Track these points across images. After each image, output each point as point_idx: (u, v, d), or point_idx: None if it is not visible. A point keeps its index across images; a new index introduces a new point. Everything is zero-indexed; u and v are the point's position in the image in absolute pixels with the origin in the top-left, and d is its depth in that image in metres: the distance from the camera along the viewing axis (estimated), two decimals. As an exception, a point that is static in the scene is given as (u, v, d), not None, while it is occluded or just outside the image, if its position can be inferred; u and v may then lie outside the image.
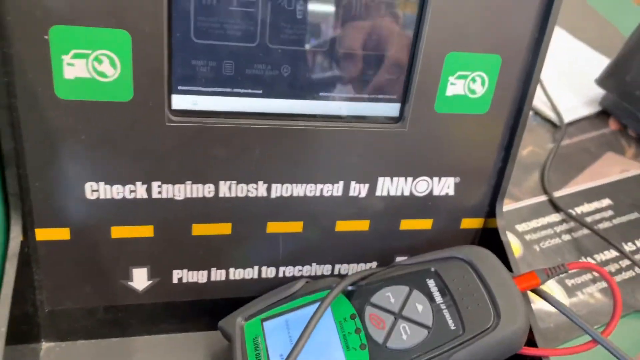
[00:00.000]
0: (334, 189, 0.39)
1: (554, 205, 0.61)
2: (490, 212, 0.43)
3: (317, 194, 0.38)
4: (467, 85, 0.37)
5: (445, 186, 0.41)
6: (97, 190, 0.34)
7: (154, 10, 0.30)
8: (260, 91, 0.35)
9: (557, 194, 0.63)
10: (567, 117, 0.74)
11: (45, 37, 0.29)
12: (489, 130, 0.39)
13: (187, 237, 0.37)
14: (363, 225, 0.40)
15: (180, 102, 0.34)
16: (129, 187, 0.35)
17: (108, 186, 0.34)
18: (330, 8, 0.34)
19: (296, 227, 0.39)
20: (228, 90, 0.34)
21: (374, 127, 0.37)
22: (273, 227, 0.39)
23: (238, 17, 0.33)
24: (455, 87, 0.37)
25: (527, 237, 0.57)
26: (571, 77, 0.80)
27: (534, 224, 0.59)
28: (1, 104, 0.30)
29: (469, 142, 0.40)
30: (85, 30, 0.30)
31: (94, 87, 0.31)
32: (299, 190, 0.38)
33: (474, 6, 0.35)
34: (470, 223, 0.43)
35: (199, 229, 0.37)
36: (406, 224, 0.41)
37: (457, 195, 0.41)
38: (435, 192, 0.41)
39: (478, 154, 0.40)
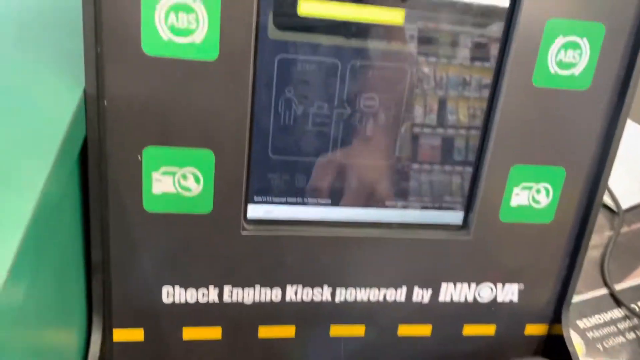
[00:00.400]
0: (397, 294, 0.39)
1: (616, 300, 0.59)
2: (555, 318, 0.42)
3: (380, 298, 0.39)
4: (531, 196, 0.38)
5: (509, 293, 0.40)
6: (172, 293, 0.36)
7: (238, 131, 0.33)
8: (329, 201, 0.36)
9: (618, 286, 0.61)
10: (625, 203, 0.72)
11: (139, 157, 0.32)
12: (554, 239, 0.40)
13: (253, 339, 0.38)
14: (425, 330, 0.40)
15: (254, 211, 0.36)
16: (202, 290, 0.36)
17: (183, 289, 0.36)
18: (397, 125, 0.35)
19: (358, 330, 0.40)
20: (299, 200, 0.36)
21: (438, 235, 0.38)
22: (336, 330, 0.39)
23: (312, 134, 0.35)
24: (519, 197, 0.38)
25: (590, 334, 0.55)
26: (628, 161, 0.79)
27: (596, 319, 0.57)
28: (95, 217, 0.32)
29: (533, 250, 0.40)
30: (175, 150, 0.32)
31: (178, 201, 0.33)
32: (362, 294, 0.39)
33: (538, 120, 0.36)
34: (535, 329, 0.42)
35: (265, 332, 0.38)
36: (469, 330, 0.41)
37: (521, 301, 0.41)
38: (499, 299, 0.40)
39: (543, 262, 0.40)
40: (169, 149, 0.32)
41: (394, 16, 0.33)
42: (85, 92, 0.30)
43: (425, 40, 0.34)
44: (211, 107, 0.32)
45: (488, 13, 0.34)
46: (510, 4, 0.34)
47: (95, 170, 0.32)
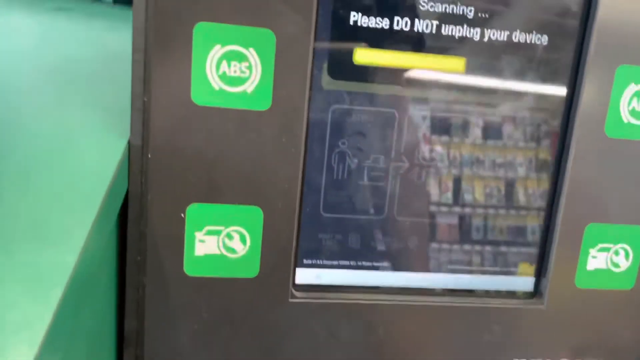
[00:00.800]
0: (463, 372, 0.34)
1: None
2: (643, 401, 0.37)
3: (444, 376, 0.34)
4: (609, 258, 0.34)
5: (589, 371, 0.35)
6: (211, 369, 0.32)
7: (288, 186, 0.30)
8: (387, 264, 0.33)
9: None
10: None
11: (182, 215, 0.29)
12: (636, 308, 0.35)
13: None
14: (495, 414, 0.35)
15: (304, 276, 0.32)
16: (244, 366, 0.32)
17: (223, 366, 0.32)
18: (459, 181, 0.33)
19: (419, 414, 0.35)
20: (353, 263, 0.33)
21: (507, 303, 0.34)
22: (394, 414, 0.35)
23: (367, 190, 0.32)
24: (597, 260, 0.34)
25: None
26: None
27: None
28: (131, 283, 0.29)
29: (614, 320, 0.35)
30: (221, 208, 0.30)
31: (222, 263, 0.30)
32: (423, 371, 0.34)
33: (613, 173, 0.33)
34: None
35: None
36: (545, 414, 0.36)
37: (603, 381, 0.36)
38: (578, 378, 0.35)
39: (625, 333, 0.35)
40: (214, 206, 0.30)
41: (454, 65, 0.31)
42: (129, 143, 0.28)
43: (487, 90, 0.32)
44: (261, 161, 0.30)
45: (554, 61, 0.32)
46: (576, 51, 0.32)
47: (135, 229, 0.29)
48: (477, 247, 0.33)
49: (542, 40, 0.31)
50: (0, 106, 0.30)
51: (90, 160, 0.27)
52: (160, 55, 0.28)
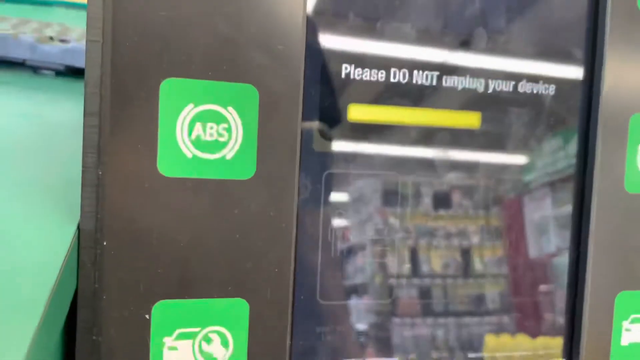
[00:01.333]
0: None
1: None
2: None
3: None
4: (643, 329, 0.30)
5: None
6: None
7: (278, 271, 0.25)
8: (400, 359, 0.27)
9: None
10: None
11: (147, 316, 0.23)
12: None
13: None
14: None
15: (300, 382, 0.26)
16: None
17: None
18: (468, 257, 0.28)
19: None
20: (358, 360, 0.27)
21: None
22: None
23: (371, 268, 0.27)
24: (631, 334, 0.30)
25: None
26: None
27: None
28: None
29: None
30: (196, 304, 0.24)
31: (200, 375, 0.24)
32: None
33: (638, 235, 0.29)
34: None
35: None
36: None
37: None
38: None
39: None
40: (187, 302, 0.24)
41: (468, 120, 0.27)
42: (79, 229, 0.22)
43: (498, 145, 0.28)
44: (245, 241, 0.24)
45: (565, 112, 0.29)
46: (584, 98, 0.29)
47: (86, 338, 0.22)
48: (498, 325, 0.29)
49: (550, 90, 0.29)
50: None
51: (29, 254, 0.21)
52: (118, 119, 0.23)
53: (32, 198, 0.24)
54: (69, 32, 0.48)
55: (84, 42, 0.44)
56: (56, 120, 0.35)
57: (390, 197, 0.27)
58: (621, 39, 0.29)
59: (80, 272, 0.22)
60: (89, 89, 0.22)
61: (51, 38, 0.44)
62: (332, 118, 0.26)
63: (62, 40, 0.44)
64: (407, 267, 0.27)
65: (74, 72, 0.44)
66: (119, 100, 0.22)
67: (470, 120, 0.27)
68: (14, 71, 0.43)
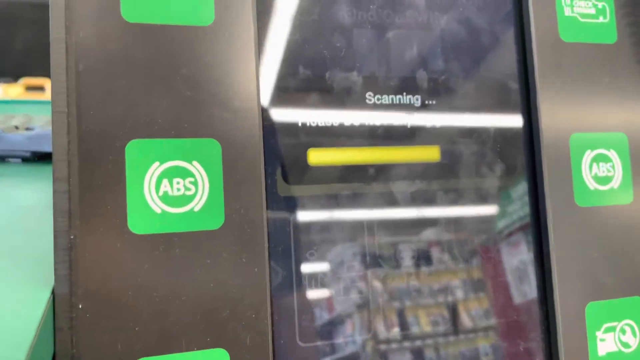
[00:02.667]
0: None
1: None
2: None
3: None
4: (617, 338, 0.31)
5: None
6: None
7: (255, 316, 0.25)
8: (384, 395, 0.27)
9: None
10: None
11: (127, 376, 0.23)
12: (662, 390, 0.31)
13: None
14: None
15: None
16: None
17: None
18: (449, 287, 0.29)
19: None
20: (345, 401, 0.27)
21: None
22: None
23: (349, 305, 0.27)
24: (606, 344, 0.30)
25: None
26: None
27: None
28: None
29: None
30: (175, 358, 0.24)
31: None
32: None
33: (595, 242, 0.31)
34: None
35: None
36: None
37: None
38: None
39: None
40: (167, 358, 0.24)
41: (428, 154, 0.29)
42: (53, 294, 0.23)
43: (452, 171, 0.30)
44: (220, 290, 0.25)
45: (509, 139, 0.31)
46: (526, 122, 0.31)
47: (66, 407, 0.22)
48: (481, 351, 0.29)
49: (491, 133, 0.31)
50: None
51: (4, 320, 0.21)
52: (87, 183, 0.23)
53: (6, 270, 0.24)
54: (33, 121, 0.49)
55: (48, 129, 0.45)
56: (25, 202, 0.36)
57: (356, 233, 0.28)
58: (549, 67, 0.32)
59: (57, 337, 0.22)
60: (56, 156, 0.23)
61: (16, 127, 0.45)
62: (293, 164, 0.27)
63: (27, 129, 0.46)
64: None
65: (40, 158, 0.45)
66: (86, 164, 0.23)
67: (429, 154, 0.29)
68: (-20, 161, 0.43)
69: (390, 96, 0.29)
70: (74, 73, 0.24)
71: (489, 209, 0.30)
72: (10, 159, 0.45)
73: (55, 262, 0.23)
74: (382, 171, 0.29)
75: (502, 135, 0.31)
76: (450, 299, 0.29)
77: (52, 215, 0.23)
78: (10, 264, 0.25)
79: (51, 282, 0.23)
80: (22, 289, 0.23)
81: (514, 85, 0.32)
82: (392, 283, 0.28)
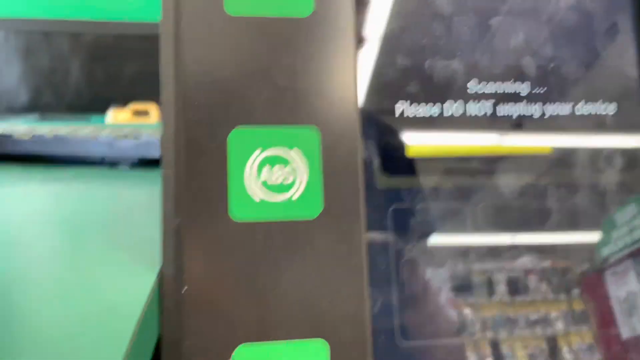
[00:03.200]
0: None
1: None
2: None
3: None
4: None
5: None
6: None
7: (354, 311, 0.24)
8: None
9: None
10: None
11: (227, 362, 0.23)
12: None
13: None
14: None
15: None
16: None
17: None
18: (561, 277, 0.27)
19: None
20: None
21: None
22: None
23: (450, 304, 0.26)
24: None
25: None
26: None
27: None
28: None
29: None
30: (276, 346, 0.23)
31: None
32: None
33: None
34: None
35: None
36: None
37: None
38: None
39: None
40: (269, 346, 0.24)
41: (537, 146, 0.27)
42: (161, 274, 0.23)
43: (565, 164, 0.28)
44: (317, 280, 0.24)
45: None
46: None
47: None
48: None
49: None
50: (11, 257, 0.26)
51: (114, 298, 0.22)
52: (192, 169, 0.24)
53: (114, 253, 0.25)
54: (140, 131, 0.53)
55: (155, 136, 0.48)
56: (133, 201, 0.38)
57: (457, 227, 0.27)
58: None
59: (162, 317, 0.23)
60: (164, 143, 0.24)
61: (126, 135, 0.49)
62: (391, 155, 0.27)
63: (136, 137, 0.49)
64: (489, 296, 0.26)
65: (147, 163, 0.48)
66: (191, 152, 0.24)
67: (538, 146, 0.27)
68: (95, 168, 0.47)
69: (495, 84, 0.28)
70: (182, 64, 0.25)
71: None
72: (120, 165, 0.48)
73: (163, 245, 0.24)
74: (485, 163, 0.27)
75: (620, 133, 0.28)
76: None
77: (159, 207, 0.24)
78: (119, 247, 0.26)
79: (157, 265, 0.24)
80: (130, 269, 0.24)
81: (634, 73, 0.29)
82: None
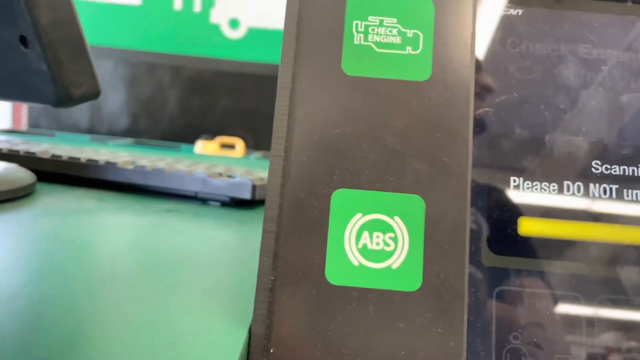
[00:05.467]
0: None
1: None
2: None
3: None
4: None
5: None
6: None
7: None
8: None
9: None
10: None
11: None
12: None
13: None
14: None
15: None
16: None
17: None
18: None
19: None
20: None
21: None
22: None
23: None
24: None
25: None
26: None
27: None
28: None
29: None
30: None
31: None
32: None
33: None
34: None
35: None
36: None
37: None
38: None
39: None
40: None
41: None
42: (250, 333, 0.23)
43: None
44: (410, 358, 0.23)
45: None
46: None
47: None
48: None
49: None
50: (103, 293, 0.26)
51: (205, 356, 0.21)
52: (293, 226, 0.24)
53: (206, 303, 0.25)
54: (233, 170, 0.54)
55: (248, 177, 0.48)
56: (222, 240, 0.38)
57: (572, 321, 0.24)
58: None
59: (249, 379, 0.22)
60: (270, 197, 0.24)
61: (220, 174, 0.50)
62: (501, 231, 0.25)
63: (229, 176, 0.50)
64: None
65: (237, 203, 0.49)
66: (294, 208, 0.24)
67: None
68: (188, 202, 0.48)
69: (622, 167, 0.25)
70: (293, 119, 0.25)
71: None
72: (211, 202, 0.49)
73: (256, 301, 0.23)
74: (606, 251, 0.25)
75: None
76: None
77: (248, 255, 0.24)
78: (210, 296, 0.26)
79: (247, 320, 0.23)
80: (222, 322, 0.23)
81: None
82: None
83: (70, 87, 0.30)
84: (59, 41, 0.29)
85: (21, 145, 0.55)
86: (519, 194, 0.25)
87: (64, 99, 0.30)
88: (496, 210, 0.25)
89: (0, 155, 0.50)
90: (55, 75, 0.30)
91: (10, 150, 0.50)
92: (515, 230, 0.25)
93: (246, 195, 0.46)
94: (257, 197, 0.47)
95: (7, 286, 0.25)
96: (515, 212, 0.25)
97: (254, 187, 0.47)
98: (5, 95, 0.35)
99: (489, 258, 0.25)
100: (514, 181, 0.25)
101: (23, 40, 0.30)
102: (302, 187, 0.24)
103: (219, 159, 1.01)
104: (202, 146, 1.95)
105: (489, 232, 0.25)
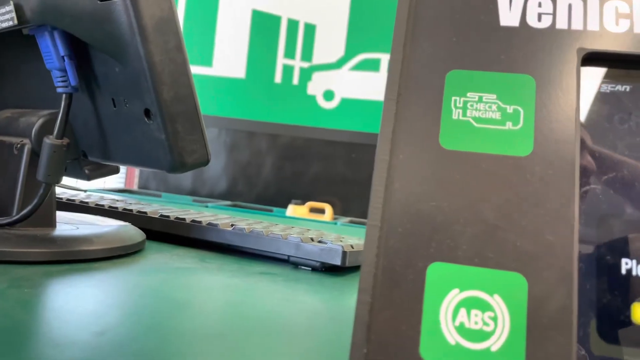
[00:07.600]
0: None
1: None
2: None
3: None
4: None
5: None
6: None
7: None
8: None
9: None
10: None
11: None
12: None
13: None
14: None
15: None
16: None
17: None
18: None
19: None
20: None
21: None
22: None
23: None
24: None
25: None
26: None
27: None
28: None
29: None
30: None
31: None
32: None
33: None
34: None
35: None
36: None
37: None
38: None
39: None
40: None
41: None
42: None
43: None
44: None
45: None
46: None
47: None
48: None
49: None
50: (205, 352, 0.27)
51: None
52: (387, 298, 0.24)
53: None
54: (325, 236, 0.54)
55: (339, 244, 0.49)
56: (315, 306, 0.38)
57: None
58: None
59: None
60: (365, 267, 0.24)
61: (312, 239, 0.51)
62: (612, 318, 0.23)
63: (320, 242, 0.50)
64: None
65: (327, 269, 0.49)
66: (389, 279, 0.24)
67: None
68: (280, 265, 0.49)
69: None
70: (390, 191, 0.25)
71: None
72: (302, 266, 0.50)
73: (347, 373, 0.23)
74: None
75: None
76: None
77: (339, 324, 0.24)
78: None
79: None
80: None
81: None
82: None
83: (185, 155, 0.33)
84: (178, 114, 0.32)
85: (134, 205, 0.60)
86: (632, 277, 0.23)
87: (178, 166, 0.33)
88: (607, 294, 0.23)
89: (116, 213, 0.55)
90: (172, 145, 0.33)
91: (124, 209, 0.55)
92: (629, 317, 0.23)
93: (337, 261, 0.47)
94: (347, 264, 0.48)
95: (119, 341, 0.27)
96: (627, 297, 0.23)
97: (344, 254, 0.47)
98: (128, 161, 0.38)
99: (599, 346, 0.23)
100: (626, 264, 0.24)
101: (147, 113, 0.34)
102: (397, 258, 0.24)
103: (310, 223, 1.03)
104: (293, 210, 2.01)
105: (598, 318, 0.23)
